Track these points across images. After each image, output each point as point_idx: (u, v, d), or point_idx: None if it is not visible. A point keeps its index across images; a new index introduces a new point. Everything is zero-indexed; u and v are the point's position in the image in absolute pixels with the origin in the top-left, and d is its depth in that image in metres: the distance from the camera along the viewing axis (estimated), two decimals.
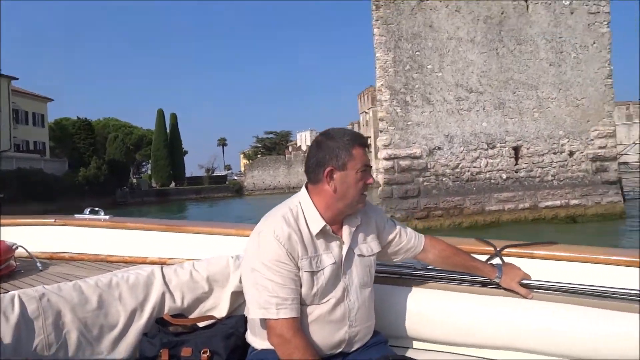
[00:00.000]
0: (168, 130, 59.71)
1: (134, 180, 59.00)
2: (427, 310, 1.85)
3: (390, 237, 1.82)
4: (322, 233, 1.61)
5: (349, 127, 75.39)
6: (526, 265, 1.87)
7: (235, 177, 74.01)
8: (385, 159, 15.91)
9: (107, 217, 2.70)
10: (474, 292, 1.87)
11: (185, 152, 65.49)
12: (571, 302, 1.74)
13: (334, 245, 1.64)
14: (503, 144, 16.61)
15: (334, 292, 1.61)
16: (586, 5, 17.07)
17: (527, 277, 1.83)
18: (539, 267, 1.88)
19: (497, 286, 1.85)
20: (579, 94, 17.00)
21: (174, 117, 61.93)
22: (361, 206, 1.67)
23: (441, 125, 16.34)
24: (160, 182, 57.79)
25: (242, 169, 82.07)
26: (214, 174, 70.14)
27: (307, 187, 1.67)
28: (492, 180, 16.52)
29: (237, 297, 1.82)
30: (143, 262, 2.33)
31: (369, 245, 1.73)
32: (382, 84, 16.08)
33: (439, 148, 16.28)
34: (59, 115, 55.96)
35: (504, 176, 16.59)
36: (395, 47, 16.19)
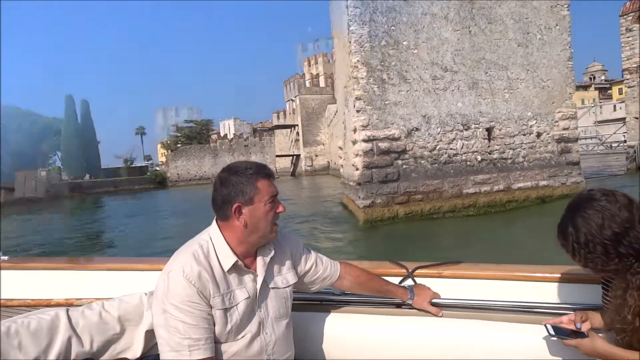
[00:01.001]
0: (79, 119, 54.74)
1: (42, 173, 53.19)
2: (346, 334, 1.89)
3: (307, 266, 1.79)
4: (234, 268, 1.55)
5: (274, 115, 73.67)
6: (435, 284, 1.95)
7: (157, 168, 69.45)
8: (364, 140, 14.83)
9: (5, 257, 2.44)
10: (389, 313, 1.92)
11: (98, 142, 60.48)
12: (478, 318, 1.81)
13: (248, 279, 1.58)
14: (477, 125, 16.21)
15: (250, 327, 1.57)
16: None
17: (437, 296, 1.90)
18: (447, 285, 1.94)
19: (410, 307, 1.91)
20: (545, 75, 17.06)
21: (85, 104, 56.99)
22: (273, 236, 1.62)
23: (418, 105, 15.56)
24: (72, 174, 52.76)
25: (162, 159, 77.49)
26: (134, 165, 65.33)
27: (217, 222, 1.59)
28: (468, 162, 16.08)
29: (152, 336, 1.65)
30: (47, 304, 2.10)
31: (284, 277, 1.69)
32: (358, 60, 14.93)
33: (417, 129, 15.49)
34: None
35: (479, 158, 16.21)
36: (370, 21, 15.11)
